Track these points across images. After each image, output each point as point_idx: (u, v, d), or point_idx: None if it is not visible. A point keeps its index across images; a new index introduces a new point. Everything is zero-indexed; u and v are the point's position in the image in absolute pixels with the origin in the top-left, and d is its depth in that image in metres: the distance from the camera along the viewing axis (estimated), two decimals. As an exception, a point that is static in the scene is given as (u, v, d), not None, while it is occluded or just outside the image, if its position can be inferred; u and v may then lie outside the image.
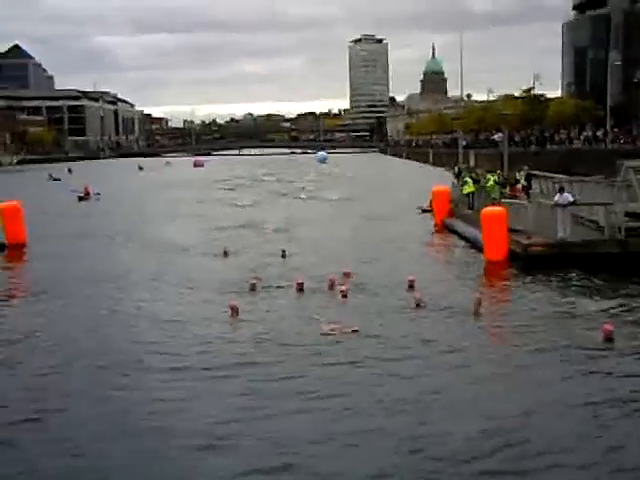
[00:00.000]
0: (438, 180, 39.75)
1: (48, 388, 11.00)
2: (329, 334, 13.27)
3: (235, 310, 14.76)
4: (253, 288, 17.01)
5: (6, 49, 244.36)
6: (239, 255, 22.63)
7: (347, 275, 18.35)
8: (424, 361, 11.87)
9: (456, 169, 39.04)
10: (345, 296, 16.21)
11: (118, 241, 27.19)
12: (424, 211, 33.40)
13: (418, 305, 15.10)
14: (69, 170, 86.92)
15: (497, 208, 22.42)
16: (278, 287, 17.43)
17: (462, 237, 25.88)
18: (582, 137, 60.38)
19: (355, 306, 15.62)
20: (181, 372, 11.47)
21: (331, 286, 16.93)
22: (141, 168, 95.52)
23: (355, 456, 8.48)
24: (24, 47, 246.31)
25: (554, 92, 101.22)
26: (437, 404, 10.01)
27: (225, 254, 22.57)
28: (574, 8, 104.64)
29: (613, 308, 15.02)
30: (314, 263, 20.73)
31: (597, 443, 8.74)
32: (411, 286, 16.77)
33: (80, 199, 45.36)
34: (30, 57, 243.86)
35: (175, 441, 8.91)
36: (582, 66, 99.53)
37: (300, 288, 16.87)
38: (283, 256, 21.89)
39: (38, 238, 26.74)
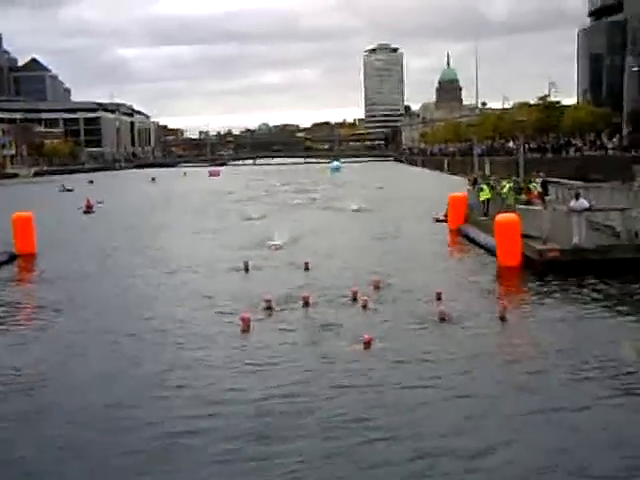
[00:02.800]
0: (453, 188, 39.39)
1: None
2: (349, 348, 13.14)
3: (247, 322, 14.71)
4: (268, 307, 16.29)
5: (24, 63, 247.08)
6: (260, 269, 21.92)
7: (376, 284, 18.20)
8: (453, 380, 11.51)
9: (472, 177, 38.86)
10: (365, 307, 16.13)
11: (127, 258, 25.87)
12: (438, 221, 33.19)
13: (443, 319, 14.84)
14: (90, 181, 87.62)
15: (510, 215, 22.24)
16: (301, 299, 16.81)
17: (476, 243, 25.74)
18: (597, 143, 59.97)
19: (375, 318, 15.42)
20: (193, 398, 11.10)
21: (354, 298, 16.85)
22: (154, 179, 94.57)
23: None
24: (41, 60, 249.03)
25: (570, 99, 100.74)
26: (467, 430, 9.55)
27: (246, 269, 21.77)
28: (590, 14, 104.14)
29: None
30: (337, 275, 20.59)
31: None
32: (439, 298, 16.62)
33: (85, 212, 45.72)
34: (47, 70, 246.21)
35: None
36: (598, 72, 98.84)
37: (306, 302, 16.51)
38: (306, 268, 21.50)
39: (46, 250, 26.60)
